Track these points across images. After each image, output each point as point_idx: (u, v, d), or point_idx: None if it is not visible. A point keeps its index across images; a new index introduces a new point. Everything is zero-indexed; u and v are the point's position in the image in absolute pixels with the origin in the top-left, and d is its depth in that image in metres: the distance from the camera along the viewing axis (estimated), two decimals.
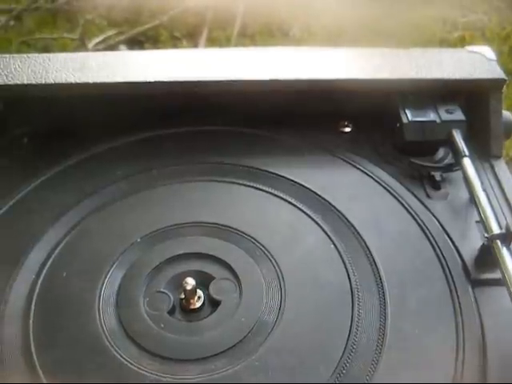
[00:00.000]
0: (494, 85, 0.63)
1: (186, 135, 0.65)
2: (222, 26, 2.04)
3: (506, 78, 0.63)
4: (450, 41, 1.96)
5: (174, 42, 2.05)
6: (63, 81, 0.62)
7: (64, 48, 1.96)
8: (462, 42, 1.95)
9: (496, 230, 0.50)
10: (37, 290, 0.51)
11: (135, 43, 2.03)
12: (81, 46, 1.96)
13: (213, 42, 2.00)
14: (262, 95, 0.63)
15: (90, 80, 0.63)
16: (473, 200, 0.54)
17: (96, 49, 1.93)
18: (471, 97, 0.64)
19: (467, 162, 0.57)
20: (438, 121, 0.60)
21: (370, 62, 0.66)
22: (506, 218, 0.55)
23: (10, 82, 0.62)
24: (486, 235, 0.51)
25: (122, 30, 2.06)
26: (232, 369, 0.45)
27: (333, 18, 1.84)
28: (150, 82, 0.62)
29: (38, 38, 2.03)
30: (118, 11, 2.09)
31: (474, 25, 2.06)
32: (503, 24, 2.07)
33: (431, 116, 0.61)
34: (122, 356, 0.46)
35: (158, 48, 1.94)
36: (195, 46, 1.98)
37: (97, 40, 2.00)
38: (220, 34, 2.04)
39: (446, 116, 0.61)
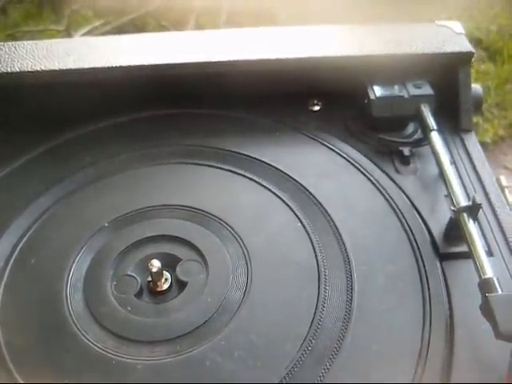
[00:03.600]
0: (463, 58, 0.63)
1: (154, 119, 0.65)
2: (209, 14, 2.02)
3: (474, 51, 0.62)
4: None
5: (162, 31, 2.04)
6: (29, 68, 0.62)
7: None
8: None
9: (463, 202, 0.50)
10: (5, 278, 0.51)
11: (122, 33, 2.01)
12: (67, 37, 1.94)
13: (200, 29, 1.98)
14: (230, 76, 0.63)
15: (57, 67, 0.62)
16: (441, 173, 0.54)
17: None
18: (440, 71, 0.64)
19: (435, 136, 0.57)
20: (405, 96, 0.60)
21: (338, 39, 0.65)
22: (474, 191, 0.55)
23: None
24: (452, 208, 0.51)
25: (109, 20, 2.04)
26: (198, 349, 0.45)
27: (320, 4, 1.83)
28: (115, 67, 0.62)
29: (24, 31, 2.01)
30: (103, 1, 2.07)
31: (462, 5, 2.05)
32: (491, 4, 2.05)
33: (399, 91, 0.61)
34: (88, 339, 0.46)
35: None
36: None
37: (83, 31, 1.98)
38: (207, 23, 2.02)
39: (414, 91, 0.61)
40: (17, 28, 2.03)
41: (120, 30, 2.01)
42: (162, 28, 2.05)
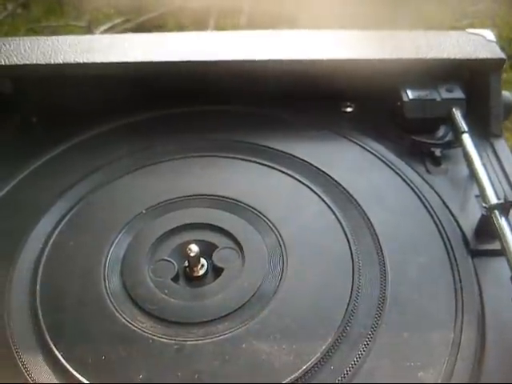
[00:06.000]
0: (494, 64, 0.64)
1: (192, 114, 0.67)
2: (229, 14, 2.04)
3: (506, 57, 0.64)
4: (459, 29, 1.93)
5: (181, 30, 2.05)
6: (72, 61, 0.64)
7: (71, 35, 1.96)
8: None
9: (495, 200, 0.51)
10: (44, 258, 0.52)
11: (142, 31, 2.02)
12: (88, 33, 1.96)
13: (220, 30, 2.00)
14: (266, 75, 0.65)
15: (98, 60, 0.64)
16: (472, 173, 0.56)
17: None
18: (472, 77, 0.65)
19: (466, 138, 0.58)
20: (438, 99, 0.62)
21: (371, 43, 0.67)
22: (504, 191, 0.56)
23: (19, 63, 0.64)
24: (484, 205, 0.52)
25: (129, 18, 2.06)
26: (234, 331, 0.46)
27: (340, 10, 1.84)
28: (155, 62, 0.64)
29: (45, 26, 2.03)
30: None
31: (483, 13, 2.04)
32: None
33: (431, 94, 0.62)
34: (125, 319, 0.47)
35: None
36: None
37: (104, 27, 2.00)
38: (227, 23, 2.03)
39: (445, 94, 0.62)
40: (38, 23, 2.05)
41: (140, 28, 2.03)
42: (181, 27, 2.07)
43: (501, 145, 0.63)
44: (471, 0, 2.05)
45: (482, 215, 0.53)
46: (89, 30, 1.98)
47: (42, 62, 0.64)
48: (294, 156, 0.61)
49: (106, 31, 1.98)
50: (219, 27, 2.00)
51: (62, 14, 2.12)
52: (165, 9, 2.07)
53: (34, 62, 0.64)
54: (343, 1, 1.83)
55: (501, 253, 0.48)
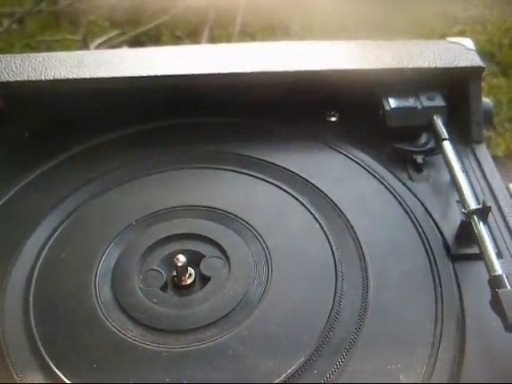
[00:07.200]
0: (474, 72, 0.66)
1: (180, 127, 0.68)
2: (223, 24, 2.05)
3: (485, 65, 0.65)
4: (450, 35, 1.94)
5: (176, 41, 2.07)
6: (62, 77, 0.65)
7: (67, 49, 1.97)
8: (462, 36, 1.93)
9: (474, 205, 0.53)
10: (37, 269, 0.54)
11: (137, 43, 2.04)
12: (83, 47, 1.98)
13: (214, 40, 2.01)
14: (252, 87, 0.66)
15: (88, 75, 0.66)
16: (452, 179, 0.57)
17: (98, 49, 1.96)
18: (452, 85, 0.67)
19: (447, 145, 0.60)
20: (419, 107, 0.63)
21: (353, 54, 0.69)
22: (484, 195, 0.58)
23: (11, 79, 0.66)
24: (463, 211, 0.53)
25: (124, 31, 2.07)
26: (221, 338, 0.47)
27: (333, 16, 1.86)
28: (144, 77, 0.66)
29: (41, 41, 2.05)
30: (120, 12, 2.10)
31: (475, 19, 2.04)
32: (504, 17, 2.06)
33: (413, 103, 0.64)
34: (116, 328, 0.49)
35: None
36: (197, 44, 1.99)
37: (99, 41, 2.02)
38: (221, 33, 2.05)
39: (426, 102, 0.64)
40: (34, 38, 2.07)
41: (135, 41, 2.04)
42: (176, 39, 2.08)
43: (482, 150, 0.64)
44: (463, 6, 2.07)
45: (462, 220, 0.54)
46: (84, 43, 1.99)
47: (33, 79, 0.65)
48: (279, 166, 0.62)
49: (101, 44, 2.00)
50: (213, 38, 2.02)
51: (58, 28, 2.13)
52: (160, 21, 2.08)
53: (26, 78, 0.66)
54: (335, 9, 1.85)
55: (480, 256, 0.50)
